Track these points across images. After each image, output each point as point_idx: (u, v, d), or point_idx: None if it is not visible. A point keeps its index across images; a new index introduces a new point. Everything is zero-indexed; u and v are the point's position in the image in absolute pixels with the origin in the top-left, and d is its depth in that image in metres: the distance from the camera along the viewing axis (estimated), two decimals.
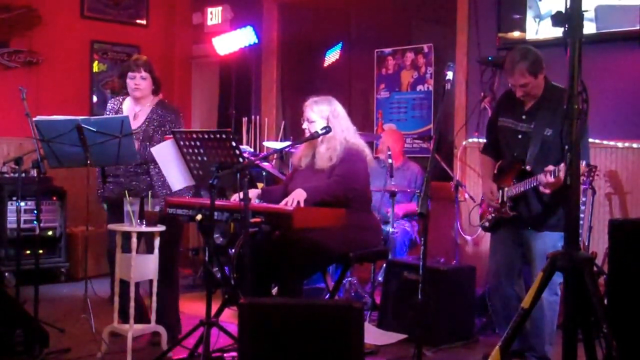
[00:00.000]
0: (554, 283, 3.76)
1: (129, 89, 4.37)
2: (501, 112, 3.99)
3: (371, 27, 6.85)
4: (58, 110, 4.45)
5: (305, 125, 4.16)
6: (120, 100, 4.50)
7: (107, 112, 4.48)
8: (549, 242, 3.76)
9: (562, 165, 3.48)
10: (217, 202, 3.75)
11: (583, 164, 3.65)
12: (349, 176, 4.04)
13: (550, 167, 3.61)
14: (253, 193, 4.13)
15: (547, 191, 3.63)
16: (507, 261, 3.95)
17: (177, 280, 4.55)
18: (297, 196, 3.82)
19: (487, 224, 4.02)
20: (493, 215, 3.96)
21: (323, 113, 4.12)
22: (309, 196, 3.83)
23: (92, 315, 4.10)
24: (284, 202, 3.83)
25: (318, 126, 4.08)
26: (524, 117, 3.82)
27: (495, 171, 4.00)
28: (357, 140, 4.22)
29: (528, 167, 3.72)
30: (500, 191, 3.90)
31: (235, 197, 4.03)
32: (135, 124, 4.31)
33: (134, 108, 4.41)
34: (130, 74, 4.35)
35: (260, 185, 5.71)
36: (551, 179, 3.58)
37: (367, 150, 4.22)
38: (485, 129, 4.27)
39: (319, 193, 3.90)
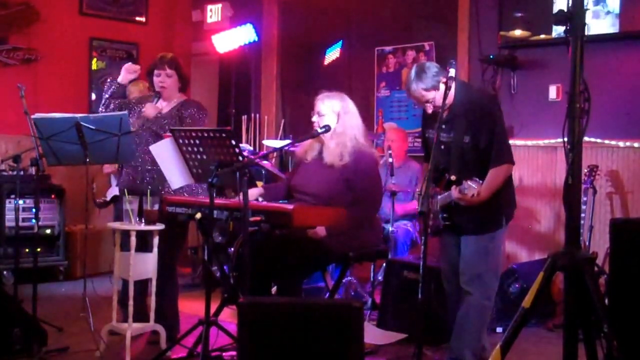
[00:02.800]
0: (490, 289, 3.75)
1: (155, 87, 4.38)
2: (426, 125, 3.92)
3: (372, 25, 6.84)
4: (57, 108, 4.43)
5: (315, 119, 4.13)
6: (150, 95, 4.50)
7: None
8: (477, 242, 3.72)
9: (469, 182, 3.45)
10: (217, 201, 3.74)
11: (504, 168, 3.63)
12: (372, 197, 4.08)
13: (467, 183, 3.54)
14: (255, 192, 4.13)
15: (462, 203, 3.60)
16: (454, 269, 3.86)
17: (177, 279, 4.54)
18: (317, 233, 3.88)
19: (429, 232, 3.89)
20: (431, 223, 3.83)
21: (334, 108, 4.10)
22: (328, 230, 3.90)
23: (90, 314, 4.09)
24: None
25: (328, 120, 4.06)
26: (443, 126, 3.72)
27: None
28: (367, 141, 4.20)
29: (453, 177, 3.65)
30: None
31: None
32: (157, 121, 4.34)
33: (161, 104, 4.41)
34: (155, 71, 4.36)
35: (259, 183, 5.70)
36: (458, 195, 3.56)
37: (376, 152, 4.22)
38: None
39: (341, 228, 3.92)
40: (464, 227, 3.75)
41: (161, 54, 4.46)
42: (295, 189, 4.17)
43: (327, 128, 4.02)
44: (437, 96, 3.63)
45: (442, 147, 3.72)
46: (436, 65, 3.71)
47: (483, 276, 3.71)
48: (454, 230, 3.79)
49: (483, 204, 3.61)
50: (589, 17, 4.90)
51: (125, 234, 4.00)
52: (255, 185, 4.62)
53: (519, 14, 5.59)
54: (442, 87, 3.59)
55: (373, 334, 4.46)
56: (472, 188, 3.43)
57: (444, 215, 3.75)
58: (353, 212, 3.94)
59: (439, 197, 3.72)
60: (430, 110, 3.70)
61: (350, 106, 4.16)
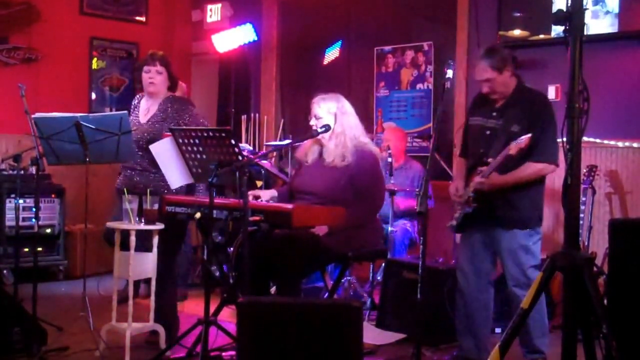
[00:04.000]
0: (534, 279, 3.74)
1: (144, 83, 4.34)
2: (473, 113, 4.00)
3: (371, 25, 6.84)
4: (57, 107, 4.43)
5: (313, 122, 4.14)
6: (139, 97, 4.49)
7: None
8: (516, 239, 3.75)
9: (490, 164, 3.61)
10: (216, 200, 3.75)
11: (540, 165, 3.69)
12: (374, 195, 4.09)
13: (483, 168, 3.69)
14: (268, 193, 4.17)
15: (484, 189, 3.72)
16: (475, 267, 3.90)
17: (176, 279, 4.55)
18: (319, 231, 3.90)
19: (454, 222, 3.95)
20: (459, 212, 3.92)
21: (330, 109, 4.11)
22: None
23: (90, 314, 4.09)
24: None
25: (325, 122, 4.07)
26: (494, 114, 3.83)
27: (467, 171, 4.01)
28: (367, 140, 4.21)
29: (490, 160, 3.72)
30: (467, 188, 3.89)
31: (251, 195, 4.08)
32: (144, 119, 4.32)
33: (147, 103, 4.39)
34: (145, 67, 4.32)
35: (259, 183, 5.71)
36: (480, 179, 3.69)
37: (376, 150, 4.23)
38: (461, 132, 4.26)
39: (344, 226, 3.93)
40: (504, 216, 3.76)
41: (151, 51, 4.44)
42: (297, 190, 4.18)
43: (327, 127, 4.02)
44: (497, 79, 3.73)
45: (488, 132, 3.82)
46: (509, 53, 3.81)
47: (528, 274, 3.73)
48: (482, 220, 3.81)
49: (523, 197, 3.70)
50: (588, 17, 4.90)
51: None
52: (255, 186, 4.63)
53: (518, 14, 5.59)
54: (506, 73, 3.73)
55: (372, 334, 4.46)
56: (521, 141, 3.50)
57: (473, 197, 3.78)
58: (356, 209, 3.95)
59: (473, 182, 3.78)
60: (485, 90, 3.79)
61: (347, 106, 4.17)
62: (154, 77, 4.30)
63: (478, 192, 3.76)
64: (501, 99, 3.82)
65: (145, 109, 4.39)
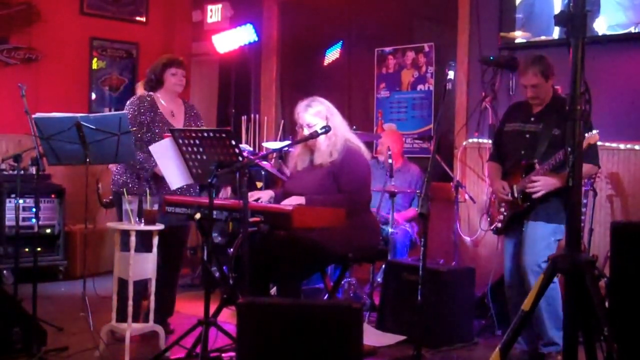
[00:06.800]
0: None
1: (170, 83, 4.39)
2: (508, 120, 4.19)
3: (372, 26, 6.84)
4: (57, 107, 4.43)
5: (306, 131, 4.13)
6: (149, 95, 4.43)
7: (135, 109, 4.36)
8: (540, 230, 3.92)
9: (548, 163, 3.80)
10: (216, 201, 3.74)
11: (588, 166, 3.81)
12: (356, 189, 4.09)
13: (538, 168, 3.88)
14: (266, 195, 4.18)
15: (539, 195, 3.89)
16: (517, 268, 4.04)
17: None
18: (294, 201, 3.90)
19: (499, 225, 4.14)
20: (505, 213, 4.09)
21: (321, 113, 4.12)
22: (307, 203, 3.91)
23: (90, 314, 4.09)
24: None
25: (319, 128, 4.06)
26: (532, 119, 4.03)
27: (502, 174, 4.17)
28: (353, 137, 4.26)
29: (536, 161, 3.90)
30: (511, 188, 4.05)
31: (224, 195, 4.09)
32: (176, 122, 4.38)
33: (169, 106, 4.43)
34: (174, 69, 4.37)
35: (259, 184, 5.70)
36: (536, 178, 3.87)
37: (363, 147, 4.23)
38: (492, 138, 4.43)
39: (320, 203, 3.93)
40: (534, 209, 3.94)
41: (171, 55, 4.50)
42: (288, 194, 4.18)
43: (327, 128, 4.01)
44: (544, 85, 3.95)
45: (527, 135, 4.03)
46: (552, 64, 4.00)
47: (542, 265, 3.83)
48: (525, 217, 3.98)
49: (559, 196, 3.84)
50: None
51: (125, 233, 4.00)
52: (256, 187, 4.63)
53: (520, 15, 5.59)
54: (550, 82, 3.96)
55: (372, 336, 4.45)
56: (590, 135, 3.64)
57: (522, 197, 3.97)
58: (333, 196, 4.00)
59: (517, 184, 3.95)
60: (529, 94, 3.99)
61: (332, 106, 4.21)
62: (182, 79, 4.41)
63: (525, 192, 3.93)
64: (538, 105, 4.02)
65: (169, 112, 4.41)
